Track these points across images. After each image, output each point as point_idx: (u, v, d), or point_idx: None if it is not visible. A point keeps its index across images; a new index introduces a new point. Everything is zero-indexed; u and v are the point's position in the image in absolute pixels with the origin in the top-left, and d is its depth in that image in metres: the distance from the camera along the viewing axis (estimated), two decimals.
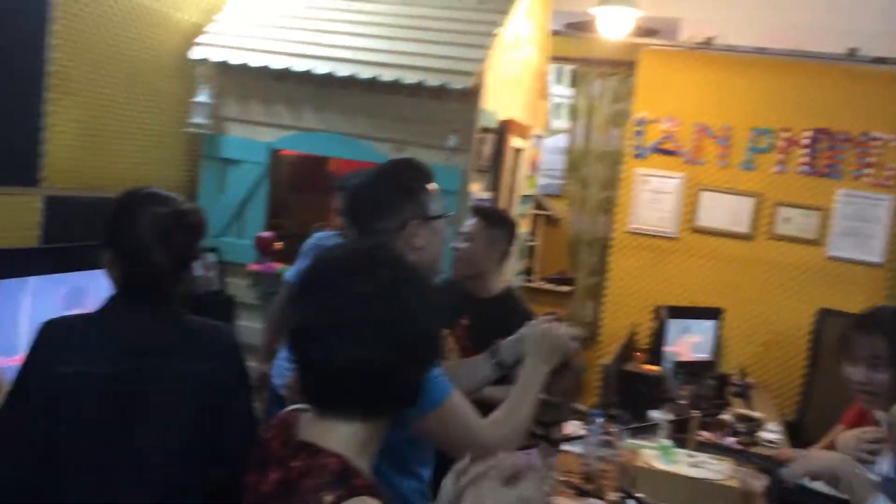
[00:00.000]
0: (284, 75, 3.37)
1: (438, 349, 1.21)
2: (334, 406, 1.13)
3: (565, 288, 5.62)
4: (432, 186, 1.76)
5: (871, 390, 1.85)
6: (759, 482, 2.49)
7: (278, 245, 3.41)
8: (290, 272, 3.12)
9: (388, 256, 1.19)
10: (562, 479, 2.41)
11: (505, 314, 2.71)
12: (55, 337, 1.60)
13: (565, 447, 2.91)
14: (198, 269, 3.19)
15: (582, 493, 2.38)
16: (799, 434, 3.68)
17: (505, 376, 1.85)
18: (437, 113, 3.26)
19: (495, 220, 2.86)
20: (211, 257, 3.30)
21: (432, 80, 3.16)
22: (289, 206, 3.86)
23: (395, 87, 3.25)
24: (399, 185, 1.72)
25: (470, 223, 2.87)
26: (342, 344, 1.08)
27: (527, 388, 1.68)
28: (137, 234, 1.59)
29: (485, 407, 1.66)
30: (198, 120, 3.44)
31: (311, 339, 1.11)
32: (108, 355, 1.58)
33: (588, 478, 2.57)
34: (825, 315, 4.59)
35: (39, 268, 2.30)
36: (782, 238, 4.75)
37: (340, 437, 1.11)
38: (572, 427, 3.08)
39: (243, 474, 1.21)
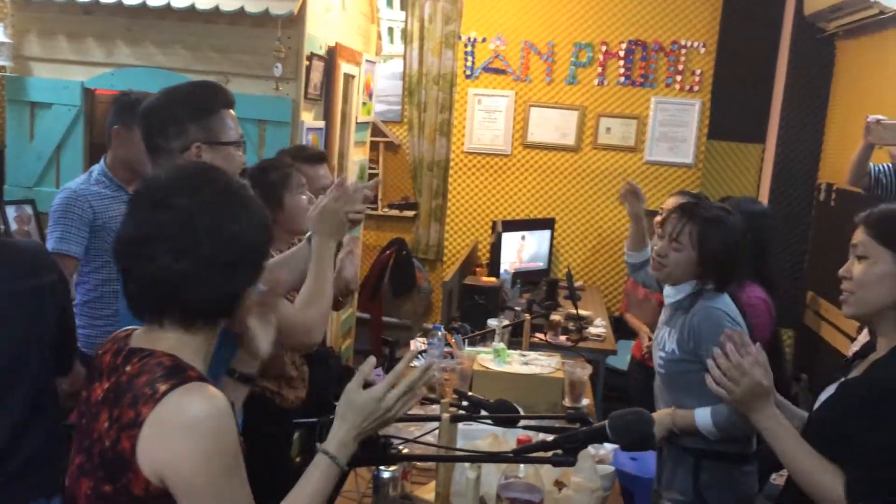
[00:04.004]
0: (93, 8, 3.16)
1: (261, 268, 1.25)
2: (154, 314, 1.20)
3: (410, 213, 5.74)
4: (228, 112, 1.74)
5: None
6: (584, 371, 2.76)
7: None
8: None
9: (216, 176, 1.25)
10: None
11: None
12: None
13: (413, 364, 3.07)
14: (11, 222, 3.00)
15: (425, 402, 2.55)
16: (624, 327, 4.06)
17: None
18: (260, 41, 3.19)
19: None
20: (26, 209, 3.10)
21: (253, 7, 3.09)
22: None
23: (214, 15, 3.14)
24: (187, 105, 1.69)
25: None
26: (161, 256, 1.15)
27: (324, 267, 1.70)
28: None
29: None
30: None
31: (134, 251, 1.18)
32: None
33: (431, 387, 2.75)
34: (644, 216, 4.97)
35: None
36: (605, 147, 5.07)
37: (172, 342, 1.19)
38: (418, 344, 3.24)
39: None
